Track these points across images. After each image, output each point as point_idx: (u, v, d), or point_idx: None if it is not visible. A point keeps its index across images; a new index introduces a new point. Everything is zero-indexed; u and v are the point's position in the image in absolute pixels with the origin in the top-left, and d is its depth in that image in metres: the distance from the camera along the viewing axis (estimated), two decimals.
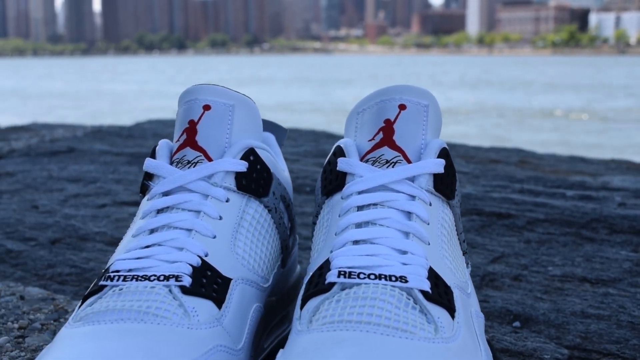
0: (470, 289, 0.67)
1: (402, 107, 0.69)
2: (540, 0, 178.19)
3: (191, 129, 0.70)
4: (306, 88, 23.85)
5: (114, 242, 1.26)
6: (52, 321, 0.92)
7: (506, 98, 18.24)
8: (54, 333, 0.88)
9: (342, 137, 2.24)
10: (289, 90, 22.30)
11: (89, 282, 1.09)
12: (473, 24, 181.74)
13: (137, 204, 1.48)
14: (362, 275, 0.58)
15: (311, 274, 0.62)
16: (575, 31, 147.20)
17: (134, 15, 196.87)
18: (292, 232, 0.79)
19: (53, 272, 1.13)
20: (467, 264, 0.72)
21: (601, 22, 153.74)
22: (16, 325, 0.91)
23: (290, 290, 0.80)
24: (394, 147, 0.68)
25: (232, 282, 0.63)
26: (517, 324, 0.91)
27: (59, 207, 1.48)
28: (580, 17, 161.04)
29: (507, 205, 1.36)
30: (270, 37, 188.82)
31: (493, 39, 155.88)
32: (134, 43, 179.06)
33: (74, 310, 0.96)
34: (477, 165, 1.77)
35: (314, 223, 0.72)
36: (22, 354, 0.82)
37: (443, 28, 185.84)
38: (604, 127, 12.35)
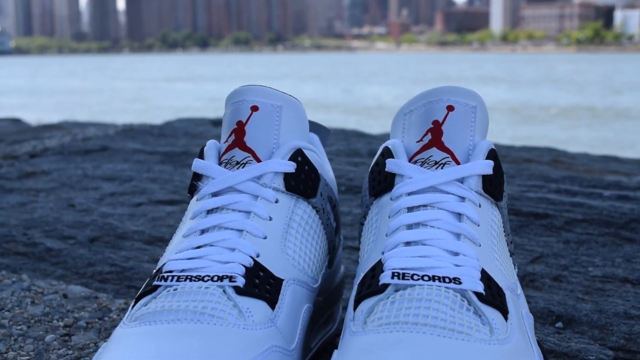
0: (519, 290, 0.67)
1: (450, 108, 0.69)
2: None
3: (239, 130, 0.70)
4: (325, 86, 23.83)
5: (152, 241, 1.27)
6: (96, 320, 0.93)
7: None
8: (99, 331, 0.89)
9: (371, 136, 2.24)
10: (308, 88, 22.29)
11: (129, 281, 1.10)
12: (497, 22, 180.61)
13: (173, 202, 1.49)
14: (415, 277, 0.58)
15: (363, 275, 0.62)
16: (600, 28, 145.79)
17: (158, 14, 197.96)
18: (338, 233, 0.79)
19: (93, 271, 1.14)
20: (514, 265, 0.71)
21: (626, 19, 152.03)
22: (61, 324, 0.92)
23: (335, 290, 0.81)
24: (443, 148, 0.68)
25: (284, 282, 0.63)
26: (559, 324, 0.90)
27: (95, 206, 1.49)
28: (605, 14, 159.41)
29: (544, 205, 1.36)
30: (293, 35, 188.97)
31: (517, 36, 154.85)
32: (157, 41, 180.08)
33: (117, 308, 0.97)
34: (510, 165, 1.77)
35: (362, 224, 0.72)
36: (70, 352, 0.83)
37: (467, 26, 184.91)
38: None
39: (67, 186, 1.66)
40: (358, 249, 1.19)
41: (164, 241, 1.27)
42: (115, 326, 0.91)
